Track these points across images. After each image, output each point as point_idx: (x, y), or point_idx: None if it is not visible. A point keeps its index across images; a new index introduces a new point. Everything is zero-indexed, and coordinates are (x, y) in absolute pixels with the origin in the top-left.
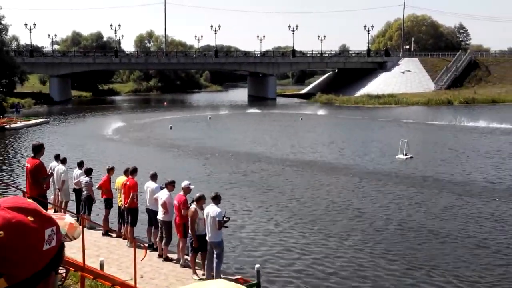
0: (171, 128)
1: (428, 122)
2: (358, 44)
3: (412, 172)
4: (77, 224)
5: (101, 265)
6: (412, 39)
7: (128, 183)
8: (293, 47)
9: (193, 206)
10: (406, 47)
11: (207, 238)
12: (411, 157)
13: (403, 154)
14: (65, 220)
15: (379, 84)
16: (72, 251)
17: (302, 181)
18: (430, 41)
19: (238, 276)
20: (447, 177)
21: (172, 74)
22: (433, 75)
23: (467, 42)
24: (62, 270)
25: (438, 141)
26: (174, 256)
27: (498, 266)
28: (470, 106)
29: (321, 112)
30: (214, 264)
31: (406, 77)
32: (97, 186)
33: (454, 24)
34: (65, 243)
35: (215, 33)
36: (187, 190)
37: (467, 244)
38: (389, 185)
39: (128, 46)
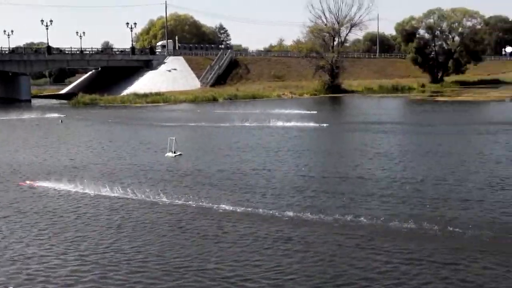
0: None
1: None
2: (123, 41)
3: (180, 168)
4: None
5: None
6: (176, 37)
7: None
8: (48, 43)
9: None
10: (171, 45)
11: None
12: (180, 154)
13: (171, 151)
14: None
15: (146, 83)
16: None
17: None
18: (193, 40)
19: None
20: (213, 171)
21: None
22: (198, 73)
23: (228, 42)
24: None
25: (205, 138)
26: None
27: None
28: (234, 102)
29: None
30: None
31: (173, 75)
32: None
33: (215, 24)
34: None
35: None
36: None
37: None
38: (157, 183)
39: None
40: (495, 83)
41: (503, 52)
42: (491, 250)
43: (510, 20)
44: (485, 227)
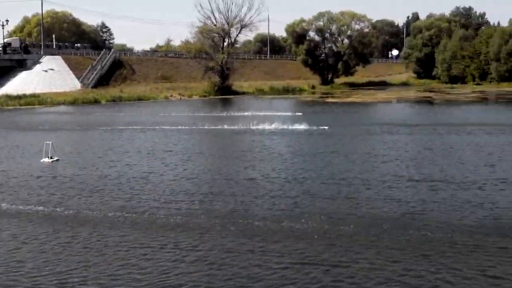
0: None
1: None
2: None
3: (57, 174)
4: None
5: None
6: (54, 36)
7: None
8: None
9: None
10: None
11: None
12: (57, 160)
13: (48, 157)
14: None
15: (19, 83)
16: None
17: None
18: (73, 38)
19: None
20: (94, 177)
21: None
22: (78, 73)
23: (111, 41)
24: None
25: (85, 142)
26: None
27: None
28: (118, 104)
29: None
30: None
31: (50, 75)
32: None
33: (97, 22)
34: None
35: None
36: None
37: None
38: (30, 191)
39: None
40: (382, 85)
41: (390, 55)
42: (379, 246)
43: (396, 24)
44: (372, 224)
